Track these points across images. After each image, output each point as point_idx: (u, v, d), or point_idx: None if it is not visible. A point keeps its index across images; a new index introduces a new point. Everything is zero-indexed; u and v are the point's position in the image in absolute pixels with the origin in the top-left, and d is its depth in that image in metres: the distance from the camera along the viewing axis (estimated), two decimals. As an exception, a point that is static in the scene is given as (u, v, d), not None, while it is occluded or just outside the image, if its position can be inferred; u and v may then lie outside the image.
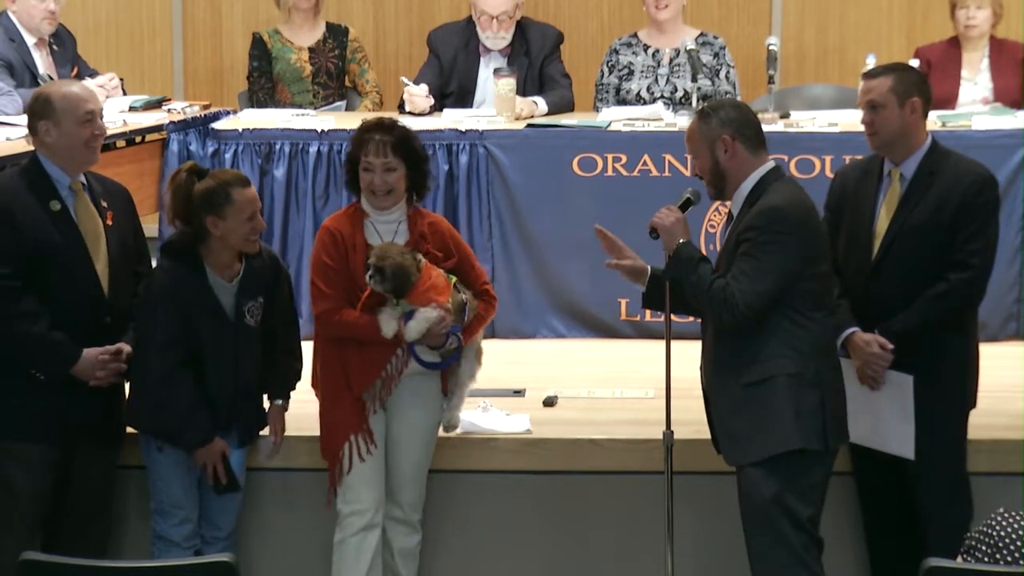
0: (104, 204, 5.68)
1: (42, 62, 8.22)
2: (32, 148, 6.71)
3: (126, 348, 5.65)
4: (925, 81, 5.76)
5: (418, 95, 8.00)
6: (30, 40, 8.19)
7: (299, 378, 5.91)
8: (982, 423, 5.86)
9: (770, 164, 5.37)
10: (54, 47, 8.36)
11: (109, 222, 5.66)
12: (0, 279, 5.50)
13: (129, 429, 5.81)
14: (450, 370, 5.85)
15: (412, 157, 5.74)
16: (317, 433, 5.82)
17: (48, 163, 5.63)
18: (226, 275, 5.66)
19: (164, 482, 5.69)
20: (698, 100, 7.89)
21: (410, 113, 7.94)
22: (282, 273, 5.88)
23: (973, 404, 5.74)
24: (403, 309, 5.66)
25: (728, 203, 5.48)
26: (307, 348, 5.90)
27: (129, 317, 5.70)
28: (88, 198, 5.66)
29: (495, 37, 8.20)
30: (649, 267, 5.57)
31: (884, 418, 5.61)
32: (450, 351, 5.78)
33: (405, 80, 8.11)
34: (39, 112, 5.64)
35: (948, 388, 5.63)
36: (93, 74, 8.38)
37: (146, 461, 5.73)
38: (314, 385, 5.87)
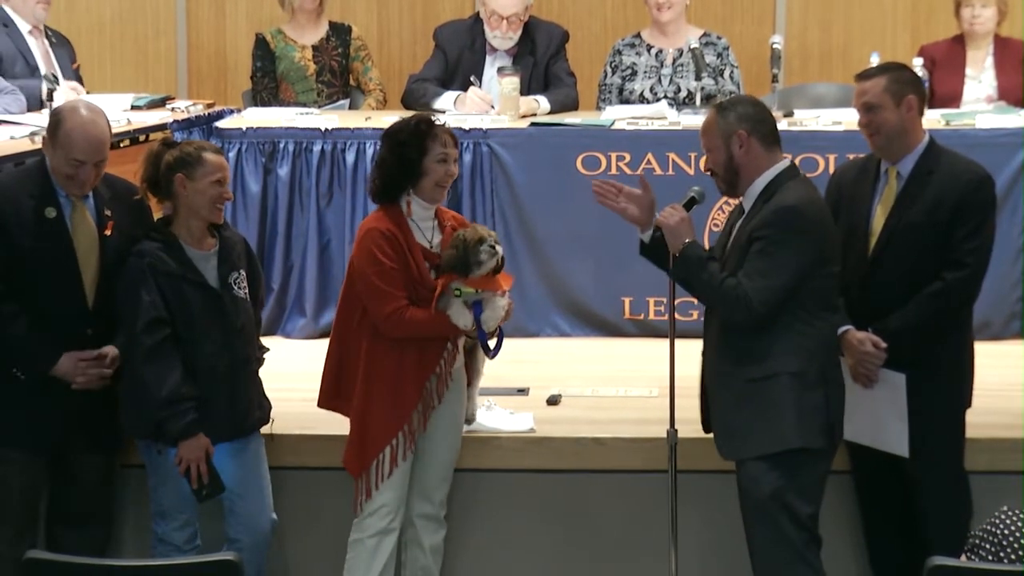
0: (108, 212, 5.65)
1: (38, 50, 8.21)
2: (35, 147, 6.73)
3: (112, 352, 5.62)
4: (918, 80, 5.76)
5: (476, 99, 7.97)
6: (24, 27, 8.20)
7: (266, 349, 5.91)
8: (983, 421, 5.85)
9: (785, 162, 5.38)
10: (53, 40, 8.36)
11: (108, 231, 5.63)
12: None
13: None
14: (473, 360, 5.85)
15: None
16: (326, 432, 5.81)
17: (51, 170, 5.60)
18: (202, 247, 5.63)
19: (165, 485, 5.65)
20: (702, 100, 7.89)
21: (411, 109, 7.95)
22: (253, 254, 5.87)
23: (968, 403, 5.73)
24: (467, 299, 5.61)
25: (736, 199, 5.49)
26: (317, 349, 5.86)
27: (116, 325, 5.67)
28: (88, 207, 5.62)
29: (503, 37, 8.20)
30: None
31: (879, 416, 5.60)
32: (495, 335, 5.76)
33: (474, 79, 8.11)
34: (49, 129, 5.60)
35: (944, 386, 5.62)
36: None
37: (146, 464, 5.70)
38: (327, 393, 5.79)
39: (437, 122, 5.71)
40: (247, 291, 5.70)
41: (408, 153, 5.63)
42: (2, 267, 5.49)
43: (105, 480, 5.80)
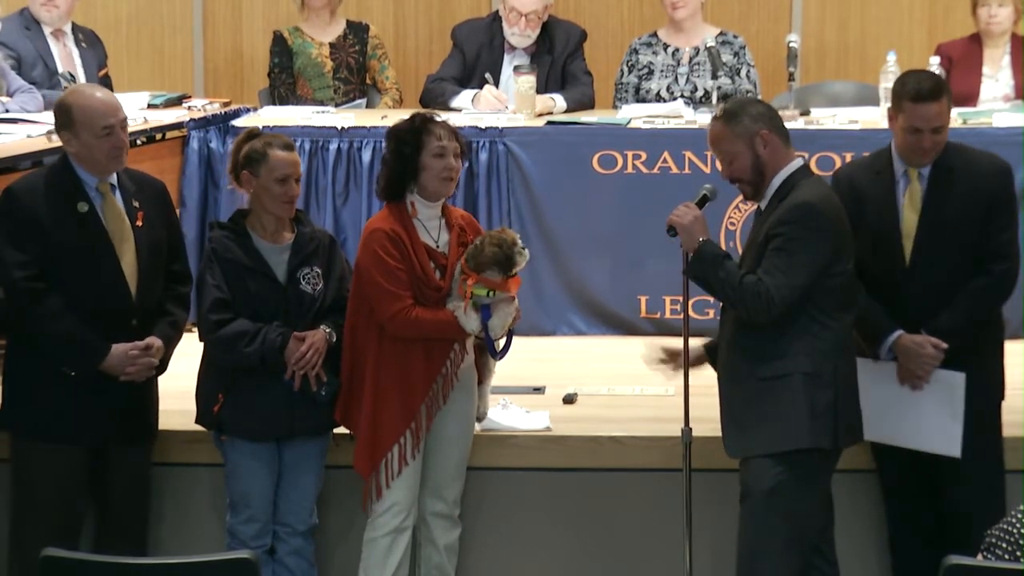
0: (136, 204, 5.66)
1: (59, 53, 8.22)
2: (52, 146, 6.74)
3: (156, 342, 5.63)
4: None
5: (491, 98, 7.98)
6: (46, 29, 8.22)
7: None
8: (1007, 420, 5.82)
9: (799, 161, 5.38)
10: (83, 44, 8.37)
11: (139, 223, 5.64)
12: (24, 280, 5.48)
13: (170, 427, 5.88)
14: (483, 358, 5.85)
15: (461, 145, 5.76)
16: (339, 431, 5.82)
17: (76, 164, 5.61)
18: (277, 240, 5.70)
19: (231, 475, 5.69)
20: (718, 99, 7.89)
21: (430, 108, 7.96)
22: (338, 253, 5.86)
23: (1002, 396, 5.74)
24: (479, 302, 5.61)
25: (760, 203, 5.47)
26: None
27: (157, 315, 5.68)
28: (117, 199, 5.63)
29: (521, 35, 8.21)
30: (702, 346, 5.59)
31: (928, 417, 5.56)
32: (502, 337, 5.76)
33: (488, 77, 8.12)
34: (61, 122, 5.62)
35: (987, 383, 5.62)
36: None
37: (221, 453, 5.73)
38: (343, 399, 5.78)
39: (436, 119, 5.72)
40: (319, 288, 5.70)
41: (405, 149, 5.65)
42: (43, 264, 5.50)
43: (138, 475, 5.77)
